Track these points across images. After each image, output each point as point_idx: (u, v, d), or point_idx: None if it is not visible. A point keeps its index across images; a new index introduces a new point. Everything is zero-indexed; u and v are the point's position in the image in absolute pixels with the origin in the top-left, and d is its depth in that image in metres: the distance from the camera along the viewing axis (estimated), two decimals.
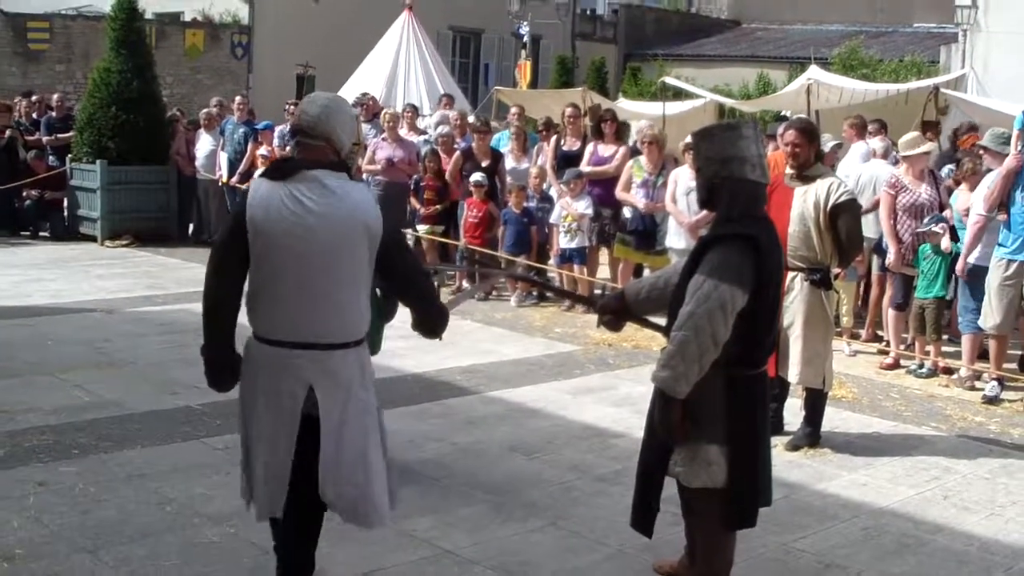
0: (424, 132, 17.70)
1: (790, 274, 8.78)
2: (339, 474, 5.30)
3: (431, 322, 5.82)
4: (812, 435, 9.06)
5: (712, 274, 5.43)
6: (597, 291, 15.13)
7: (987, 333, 10.95)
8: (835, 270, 9.13)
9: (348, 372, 5.31)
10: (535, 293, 14.95)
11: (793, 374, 8.92)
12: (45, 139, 20.77)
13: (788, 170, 9.08)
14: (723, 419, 5.57)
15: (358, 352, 5.39)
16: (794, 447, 8.93)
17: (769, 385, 6.16)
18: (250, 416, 5.36)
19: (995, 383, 10.78)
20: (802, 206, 8.82)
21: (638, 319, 6.57)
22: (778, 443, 8.77)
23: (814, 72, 19.44)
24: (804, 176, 8.91)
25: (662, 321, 6.07)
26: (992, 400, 10.60)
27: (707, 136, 5.90)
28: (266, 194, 5.14)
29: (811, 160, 8.96)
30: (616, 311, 6.52)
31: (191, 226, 20.47)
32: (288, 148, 17.35)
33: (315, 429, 5.25)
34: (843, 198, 8.73)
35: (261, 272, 5.18)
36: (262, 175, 5.34)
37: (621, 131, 15.95)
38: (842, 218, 8.70)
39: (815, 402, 9.12)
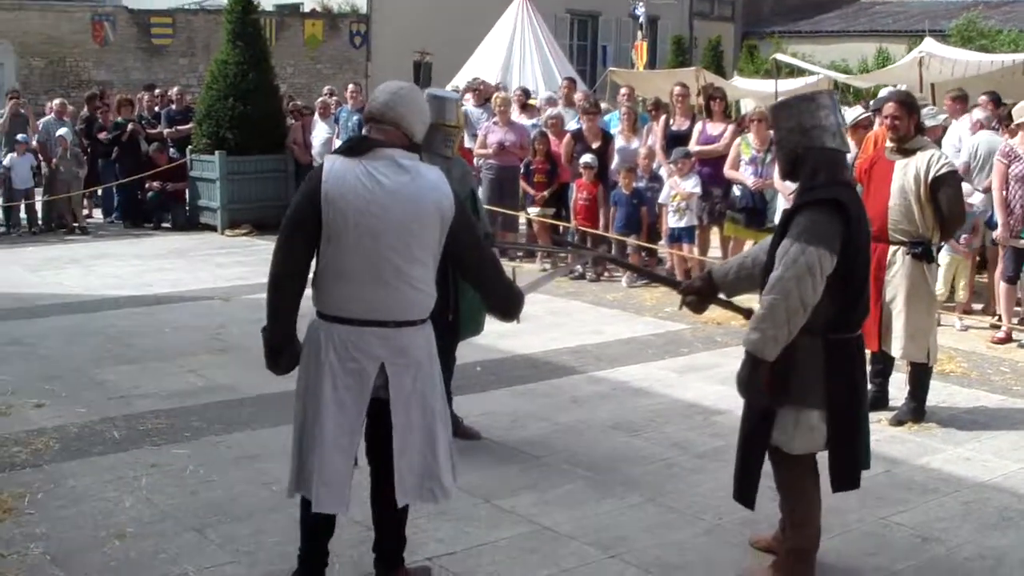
0: (537, 114, 17.72)
1: (891, 248, 8.76)
2: (409, 447, 5.40)
3: (504, 306, 5.79)
4: (917, 410, 8.97)
5: (799, 238, 5.53)
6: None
7: None
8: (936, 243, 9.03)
9: (417, 349, 5.39)
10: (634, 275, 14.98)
11: (896, 348, 8.86)
12: (166, 132, 21.20)
13: (888, 143, 9.04)
14: (822, 383, 5.69)
15: (426, 329, 5.45)
16: (898, 422, 8.86)
17: (864, 349, 6.10)
18: (315, 397, 5.39)
19: None
20: (903, 179, 8.74)
21: (722, 301, 6.55)
22: (882, 418, 8.77)
23: (928, 45, 19.24)
24: (904, 149, 8.82)
25: (751, 302, 6.03)
26: None
27: (785, 108, 6.00)
28: (341, 170, 5.18)
29: (911, 132, 8.86)
30: (701, 291, 6.55)
31: None
32: None
33: (381, 411, 5.35)
34: (944, 170, 8.63)
35: (333, 248, 5.21)
36: (336, 151, 5.38)
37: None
38: (943, 191, 8.61)
39: (920, 377, 9.03)
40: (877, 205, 8.69)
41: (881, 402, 9.11)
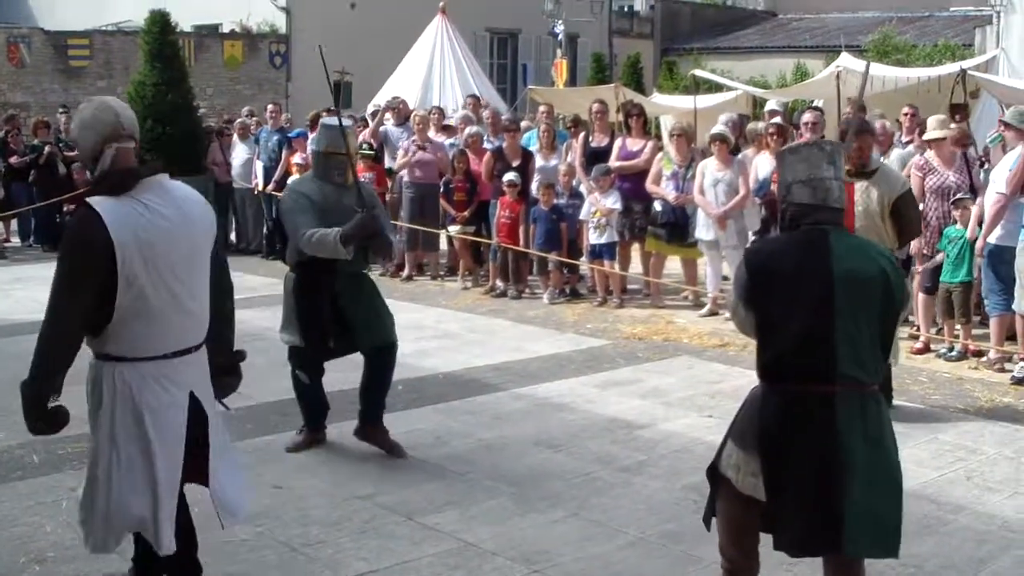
0: (454, 133, 17.72)
1: None
2: (219, 466, 5.51)
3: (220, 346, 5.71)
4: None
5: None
6: (632, 286, 15.23)
7: (1019, 314, 10.91)
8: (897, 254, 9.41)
9: (206, 368, 5.45)
10: (567, 290, 15.02)
11: None
12: None
13: (846, 166, 9.29)
14: (755, 431, 5.15)
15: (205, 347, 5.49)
16: None
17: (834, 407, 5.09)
18: (136, 440, 5.21)
19: None
20: (866, 201, 9.16)
21: None
22: None
23: (844, 60, 19.46)
24: (863, 172, 9.23)
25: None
26: (1022, 381, 10.58)
27: (780, 158, 5.56)
28: (120, 213, 5.00)
29: (870, 155, 9.42)
30: None
31: (232, 234, 20.67)
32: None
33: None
34: (903, 189, 9.25)
35: (132, 292, 5.03)
36: (97, 194, 5.12)
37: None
38: (905, 208, 9.14)
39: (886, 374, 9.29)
40: (850, 226, 8.94)
41: None
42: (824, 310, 5.01)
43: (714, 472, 5.38)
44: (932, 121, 12.28)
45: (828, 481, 4.95)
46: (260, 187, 19.03)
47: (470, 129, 16.60)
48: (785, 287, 5.11)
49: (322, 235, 7.75)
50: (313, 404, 8.59)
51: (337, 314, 8.28)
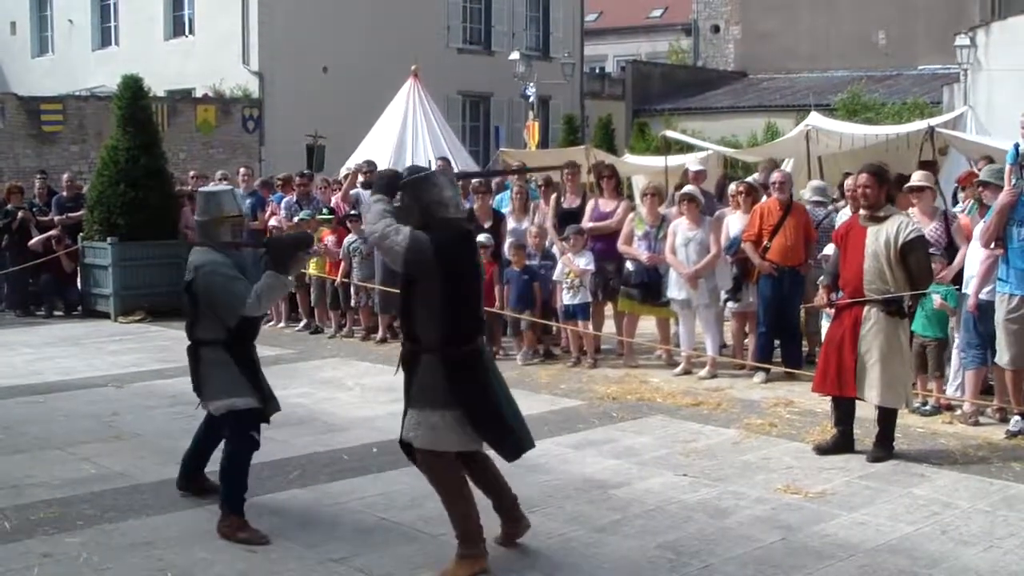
0: None
1: (866, 306, 9.72)
2: None
3: None
4: (887, 447, 9.90)
5: None
6: (605, 346, 15.24)
7: (1001, 368, 10.95)
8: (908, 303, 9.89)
9: None
10: (541, 351, 15.02)
11: (873, 396, 9.78)
12: (56, 218, 20.96)
13: (861, 211, 10.03)
14: (445, 390, 7.05)
15: None
16: (875, 459, 9.76)
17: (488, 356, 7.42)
18: None
19: (1019, 418, 10.73)
20: (875, 244, 9.67)
21: None
22: (778, 487, 8.91)
23: (813, 119, 19.61)
24: (876, 216, 9.75)
25: None
26: (1016, 435, 10.61)
27: (407, 187, 7.22)
28: None
29: (882, 201, 9.81)
30: None
31: None
32: (296, 219, 17.63)
33: None
34: (912, 235, 9.61)
35: None
36: None
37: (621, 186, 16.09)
38: (912, 255, 9.61)
39: (889, 419, 9.92)
40: (852, 267, 9.83)
41: (848, 445, 10.06)
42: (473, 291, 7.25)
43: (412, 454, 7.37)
44: (917, 174, 12.41)
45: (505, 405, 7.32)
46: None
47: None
48: (463, 268, 7.15)
49: (265, 286, 8.05)
50: (244, 476, 8.23)
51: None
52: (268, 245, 8.41)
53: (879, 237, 9.67)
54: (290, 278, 8.22)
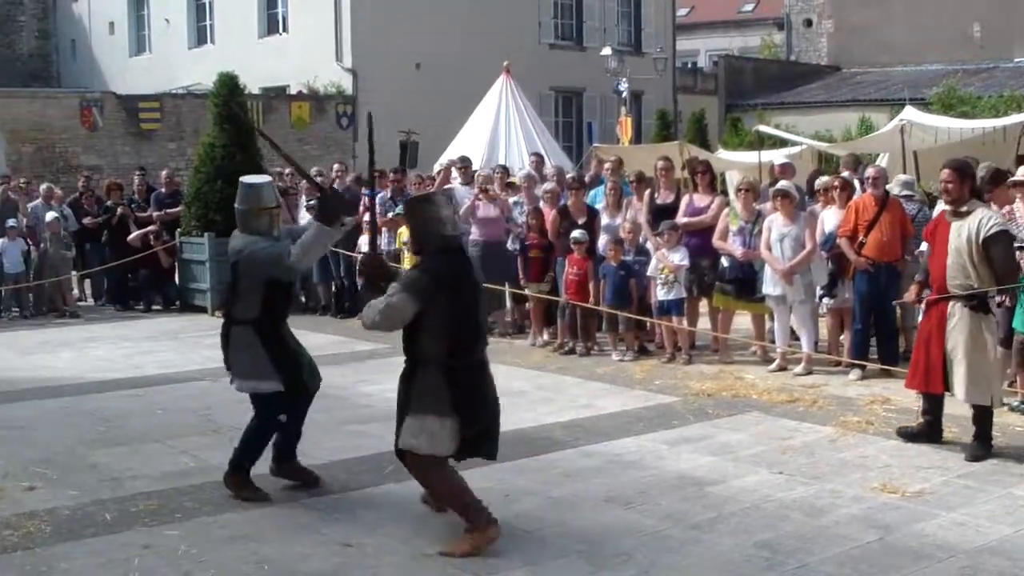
0: (518, 191, 17.72)
1: (951, 302, 9.69)
2: None
3: None
4: (985, 446, 9.75)
5: (400, 284, 7.62)
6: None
7: None
8: (998, 299, 9.98)
9: None
10: (635, 347, 14.96)
11: (960, 392, 9.73)
12: (155, 214, 21.21)
13: (946, 206, 9.96)
14: (447, 398, 7.50)
15: None
16: (973, 458, 9.64)
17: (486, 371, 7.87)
18: None
19: None
20: (957, 240, 9.62)
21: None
22: (875, 485, 8.82)
23: (908, 113, 19.40)
24: (959, 212, 9.69)
25: None
26: None
27: (408, 208, 8.09)
28: None
29: (965, 196, 9.73)
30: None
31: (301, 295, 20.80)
32: (390, 214, 17.69)
33: None
34: (994, 230, 9.51)
35: None
36: None
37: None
38: (994, 249, 9.52)
39: (983, 417, 9.82)
40: (939, 263, 9.82)
41: (933, 435, 10.18)
42: (473, 309, 7.67)
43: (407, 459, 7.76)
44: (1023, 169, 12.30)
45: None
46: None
47: (547, 185, 16.57)
48: (465, 291, 7.62)
49: (311, 236, 8.44)
50: (262, 446, 8.88)
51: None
52: (324, 193, 8.75)
53: (961, 232, 9.62)
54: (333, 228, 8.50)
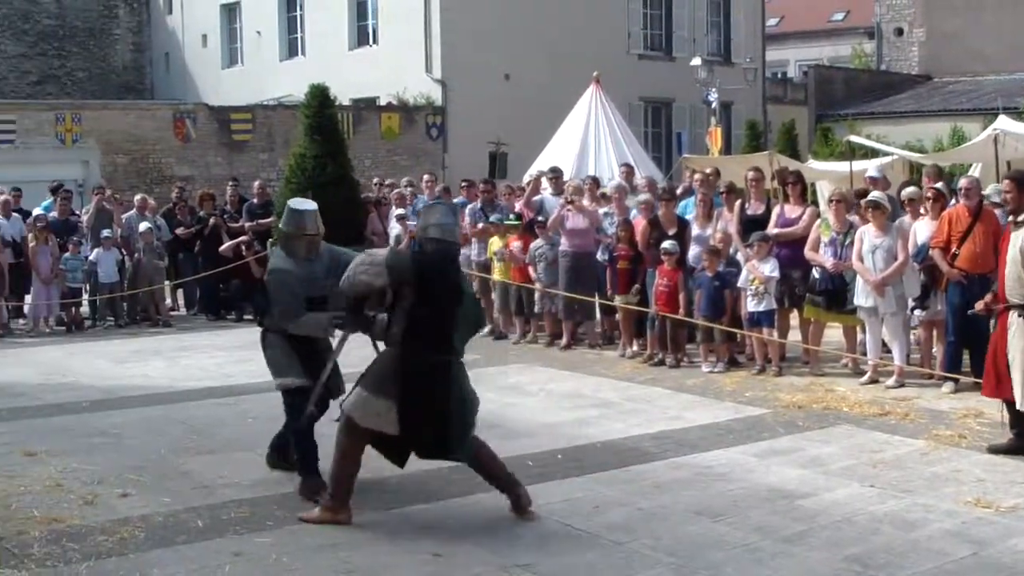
0: (608, 202, 17.68)
1: (1011, 311, 9.87)
2: None
3: None
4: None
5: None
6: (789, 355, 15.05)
7: None
8: None
9: None
10: (725, 358, 14.85)
11: (1019, 400, 9.84)
12: (247, 225, 21.40)
13: (1011, 216, 10.28)
14: (396, 384, 8.11)
15: None
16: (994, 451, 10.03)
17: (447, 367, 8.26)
18: None
19: None
20: (1013, 249, 9.79)
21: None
22: (968, 500, 8.71)
23: (1001, 122, 19.17)
24: (1018, 222, 9.92)
25: None
26: None
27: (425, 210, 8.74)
28: None
29: (1023, 206, 9.95)
30: None
31: None
32: (480, 225, 17.75)
33: None
34: None
35: None
36: None
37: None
38: None
39: None
40: (1001, 273, 10.02)
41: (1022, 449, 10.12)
42: (443, 309, 8.15)
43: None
44: None
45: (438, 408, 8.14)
46: None
47: (641, 196, 16.53)
48: (436, 288, 8.15)
49: (314, 321, 9.19)
50: (311, 445, 9.26)
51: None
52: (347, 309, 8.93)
53: (1016, 243, 9.78)
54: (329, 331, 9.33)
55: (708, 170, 18.19)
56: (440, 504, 8.85)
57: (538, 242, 17.01)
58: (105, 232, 20.40)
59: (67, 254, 20.20)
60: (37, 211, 21.25)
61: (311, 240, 9.28)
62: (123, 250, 20.78)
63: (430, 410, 8.12)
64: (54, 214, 21.08)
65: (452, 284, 8.31)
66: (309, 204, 9.57)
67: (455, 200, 19.47)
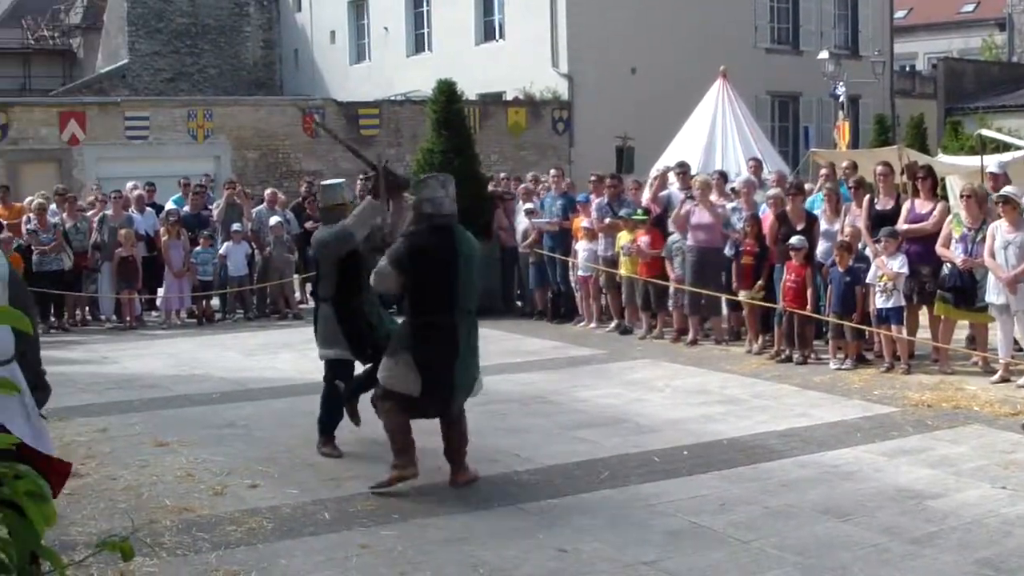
0: (736, 197, 17.57)
1: None
2: None
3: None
4: None
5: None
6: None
7: None
8: None
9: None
10: (855, 356, 14.67)
11: None
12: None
13: None
14: (410, 346, 9.08)
15: None
16: None
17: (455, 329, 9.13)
18: None
19: None
20: None
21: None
22: None
23: None
24: None
25: None
26: None
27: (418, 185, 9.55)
28: None
29: None
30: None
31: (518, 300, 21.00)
32: (607, 219, 17.74)
33: None
34: None
35: None
36: None
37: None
38: None
39: None
40: None
41: None
42: (437, 276, 8.99)
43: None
44: None
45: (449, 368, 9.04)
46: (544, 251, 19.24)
47: (772, 191, 16.42)
48: (428, 261, 8.99)
49: (362, 209, 10.44)
50: (338, 411, 10.59)
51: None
52: (376, 170, 10.62)
53: None
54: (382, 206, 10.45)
55: (845, 163, 17.96)
56: (566, 499, 8.87)
57: (675, 236, 16.97)
58: (235, 226, 20.71)
59: (198, 248, 20.58)
60: (169, 205, 21.68)
61: (343, 210, 10.63)
62: (253, 244, 21.07)
63: (441, 366, 8.98)
64: (186, 208, 21.48)
65: (443, 259, 9.06)
66: (337, 180, 11.37)
67: (579, 196, 19.52)
